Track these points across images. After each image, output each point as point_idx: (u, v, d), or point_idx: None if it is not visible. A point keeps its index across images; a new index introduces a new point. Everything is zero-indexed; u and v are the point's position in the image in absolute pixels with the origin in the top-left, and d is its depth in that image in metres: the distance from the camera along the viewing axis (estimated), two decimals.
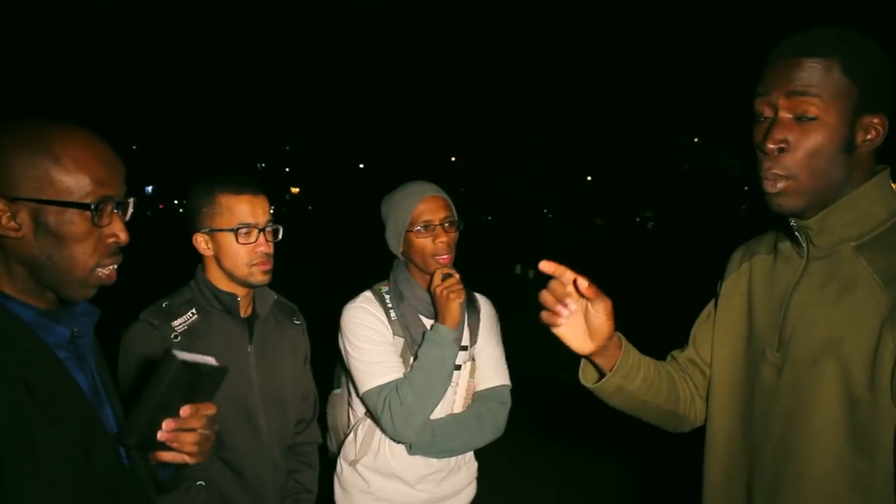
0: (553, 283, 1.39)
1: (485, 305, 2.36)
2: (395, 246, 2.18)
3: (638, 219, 39.22)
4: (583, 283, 1.37)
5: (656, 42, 22.11)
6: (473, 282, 2.29)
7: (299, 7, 13.16)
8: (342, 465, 2.26)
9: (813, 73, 1.28)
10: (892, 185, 1.36)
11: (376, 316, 2.15)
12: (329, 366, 2.28)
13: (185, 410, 1.32)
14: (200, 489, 1.95)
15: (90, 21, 13.38)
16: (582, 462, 5.17)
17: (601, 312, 1.41)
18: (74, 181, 1.23)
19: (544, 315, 1.42)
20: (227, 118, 12.11)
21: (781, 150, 1.32)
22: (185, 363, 1.30)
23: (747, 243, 1.62)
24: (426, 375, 2.04)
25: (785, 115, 1.31)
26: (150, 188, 43.17)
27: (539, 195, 26.54)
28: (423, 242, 2.11)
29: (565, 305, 1.39)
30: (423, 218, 2.10)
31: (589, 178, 31.42)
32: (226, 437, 1.97)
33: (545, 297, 1.40)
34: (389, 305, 2.18)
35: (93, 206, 1.24)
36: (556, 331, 1.43)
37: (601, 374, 1.54)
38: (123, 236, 1.30)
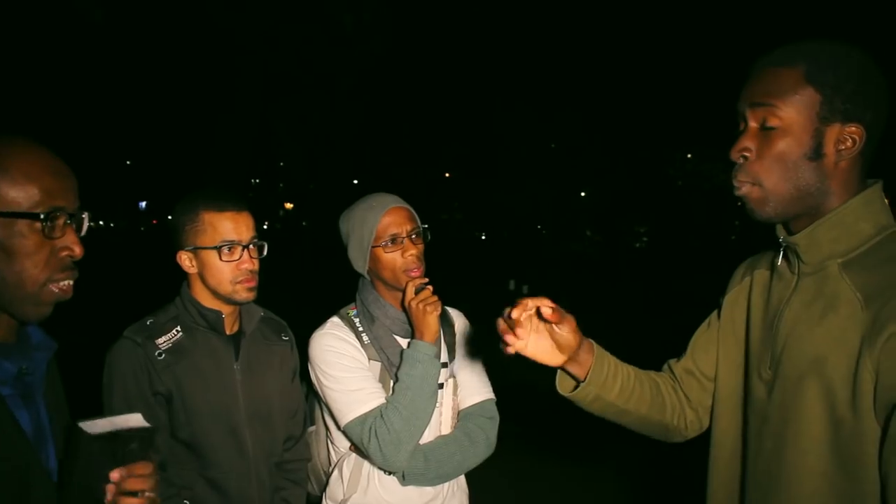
0: (507, 313, 1.39)
1: (458, 319, 2.27)
2: (361, 264, 2.08)
3: (632, 234, 39.31)
4: (546, 309, 1.36)
5: (650, 57, 22.25)
6: (467, 297, 2.27)
7: (295, 23, 13.20)
8: None
9: (774, 81, 1.31)
10: (885, 200, 1.35)
11: (347, 341, 2.04)
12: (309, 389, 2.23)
13: (114, 475, 1.24)
14: None
15: (85, 34, 13.39)
16: (575, 475, 5.15)
17: (566, 331, 1.43)
18: (22, 192, 1.17)
19: (501, 344, 1.41)
20: (221, 133, 12.11)
21: (745, 157, 1.36)
22: (97, 437, 1.22)
23: (751, 258, 1.62)
24: (411, 397, 1.94)
25: (752, 125, 1.35)
26: (143, 203, 43.15)
27: (533, 210, 26.59)
28: (392, 257, 2.02)
29: (515, 333, 1.39)
30: (389, 231, 2.01)
31: (583, 193, 31.49)
32: (210, 454, 1.95)
33: (499, 324, 1.41)
34: (360, 329, 2.07)
35: (42, 217, 1.18)
36: (523, 352, 1.43)
37: (578, 383, 1.54)
38: (78, 250, 1.24)
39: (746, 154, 1.35)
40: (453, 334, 2.21)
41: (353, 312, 2.13)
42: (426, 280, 2.06)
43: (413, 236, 2.03)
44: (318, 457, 2.24)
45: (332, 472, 2.13)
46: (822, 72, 1.27)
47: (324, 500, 2.16)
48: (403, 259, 2.01)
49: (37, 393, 1.28)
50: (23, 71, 17.19)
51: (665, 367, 1.74)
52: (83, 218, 1.28)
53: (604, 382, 1.51)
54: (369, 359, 2.05)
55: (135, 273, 13.86)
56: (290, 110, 16.98)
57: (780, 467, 1.33)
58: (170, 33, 13.57)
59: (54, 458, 1.31)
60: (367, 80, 16.58)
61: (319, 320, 2.13)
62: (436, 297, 2.03)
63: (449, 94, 22.80)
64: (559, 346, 1.46)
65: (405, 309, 2.05)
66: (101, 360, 1.93)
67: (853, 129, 1.28)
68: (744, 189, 1.36)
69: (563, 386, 1.56)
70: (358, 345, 2.05)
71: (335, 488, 2.10)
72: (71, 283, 1.26)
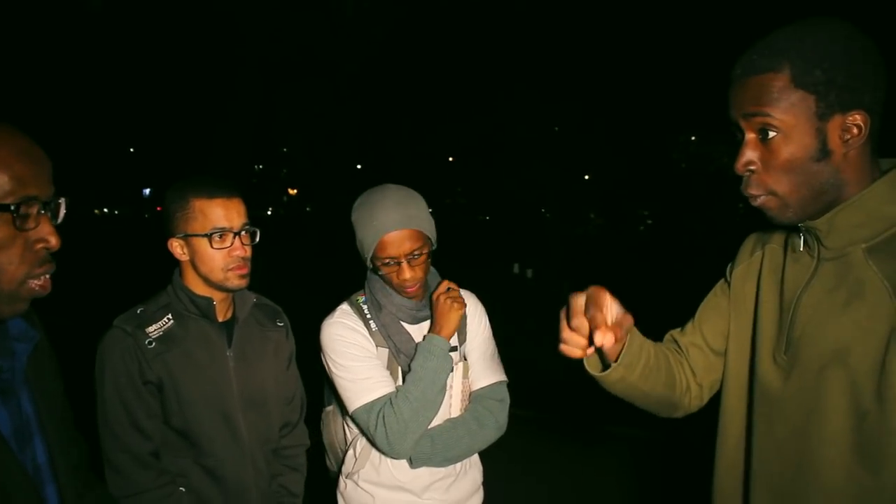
0: (578, 322, 1.26)
1: (469, 300, 2.24)
2: (365, 261, 2.08)
3: (635, 217, 39.29)
4: (609, 338, 1.22)
5: (653, 40, 22.11)
6: (471, 281, 2.26)
7: (296, 8, 13.14)
8: (345, 481, 2.19)
9: (762, 90, 1.25)
10: None
11: (356, 330, 2.06)
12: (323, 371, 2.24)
13: None
14: (182, 495, 1.93)
15: (85, 21, 13.34)
16: (581, 459, 5.16)
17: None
18: None
19: (567, 350, 1.30)
20: (223, 120, 12.10)
21: (750, 171, 1.31)
22: None
23: (759, 232, 1.57)
24: (422, 388, 1.96)
25: (749, 135, 1.30)
26: (147, 191, 43.16)
27: (537, 194, 26.55)
28: (389, 274, 2.02)
29: (590, 344, 1.27)
30: (386, 252, 1.97)
31: (586, 176, 31.43)
32: (204, 442, 1.94)
33: (571, 338, 1.28)
34: (368, 316, 2.09)
35: (13, 208, 1.08)
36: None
37: (603, 361, 1.50)
38: (54, 241, 1.15)
39: (752, 167, 1.31)
40: (464, 316, 2.19)
41: (361, 299, 2.14)
42: (454, 285, 2.09)
43: (412, 258, 2.00)
44: (336, 436, 2.27)
45: (348, 450, 2.18)
46: (808, 72, 1.22)
47: (340, 477, 2.21)
48: (398, 280, 2.02)
49: (18, 387, 1.22)
50: (25, 60, 17.16)
51: (668, 338, 1.69)
52: (59, 205, 1.19)
53: (630, 362, 1.47)
54: (377, 346, 2.07)
55: (141, 260, 13.90)
56: (292, 96, 16.94)
57: (799, 458, 1.30)
58: (170, 20, 13.52)
59: (43, 451, 1.26)
60: (368, 65, 16.52)
61: (324, 305, 2.14)
62: (462, 298, 2.05)
63: (451, 78, 22.70)
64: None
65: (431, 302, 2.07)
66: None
67: (855, 116, 1.22)
68: (759, 201, 1.32)
69: (590, 364, 1.51)
70: (366, 333, 2.07)
71: (349, 465, 2.16)
72: (49, 277, 1.18)
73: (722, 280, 1.63)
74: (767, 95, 1.25)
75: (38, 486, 1.22)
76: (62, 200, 1.19)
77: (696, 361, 1.62)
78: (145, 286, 2.14)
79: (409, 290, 2.03)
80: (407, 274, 2.00)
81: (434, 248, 2.08)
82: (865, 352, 1.20)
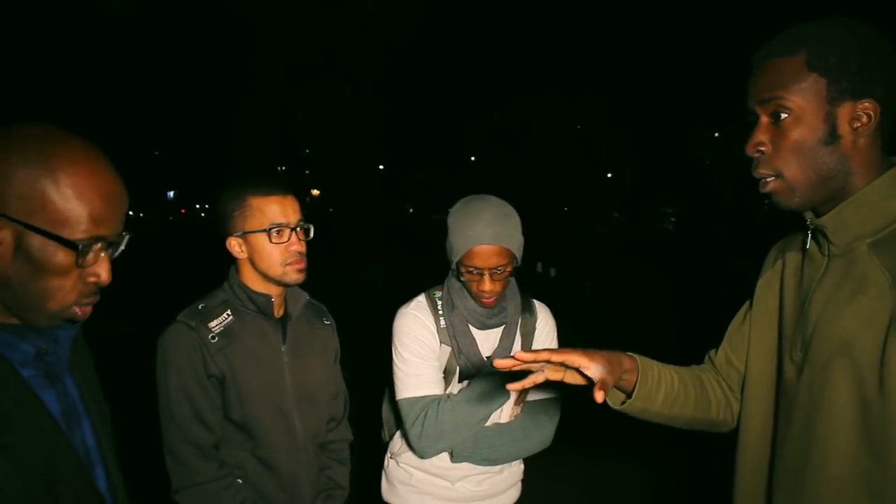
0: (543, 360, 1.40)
1: (542, 312, 2.31)
2: (450, 262, 2.13)
3: (658, 215, 39.03)
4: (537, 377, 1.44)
5: (676, 36, 21.98)
6: None
7: (317, 9, 13.20)
8: (389, 459, 2.33)
9: (777, 73, 1.30)
10: None
11: (426, 326, 2.15)
12: (353, 368, 2.27)
13: None
14: (240, 487, 1.99)
15: (109, 25, 13.49)
16: (605, 464, 5.13)
17: (596, 372, 1.40)
18: (70, 213, 1.10)
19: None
20: (246, 121, 12.20)
21: (761, 152, 1.35)
22: None
23: (783, 240, 1.60)
24: (473, 410, 2.06)
25: (763, 118, 1.34)
26: (171, 193, 43.65)
27: (559, 193, 26.49)
28: (470, 282, 2.09)
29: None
30: (473, 262, 2.03)
31: (609, 174, 31.30)
32: (261, 435, 2.01)
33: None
34: (440, 312, 2.18)
35: (80, 247, 1.12)
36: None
37: (625, 393, 1.55)
38: (105, 277, 1.18)
39: (762, 148, 1.34)
40: (532, 327, 2.27)
41: (438, 294, 2.22)
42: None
43: (495, 272, 2.05)
44: (390, 413, 2.37)
45: (396, 432, 2.30)
46: (822, 56, 1.26)
47: (386, 455, 2.36)
48: (477, 289, 2.08)
49: (62, 371, 1.26)
50: (50, 64, 17.40)
51: (706, 358, 1.74)
52: (121, 242, 1.22)
53: (647, 395, 1.52)
54: (441, 342, 2.15)
55: (167, 261, 14.04)
56: (314, 97, 17.00)
57: (809, 451, 1.32)
58: (193, 23, 13.63)
59: (91, 434, 1.29)
60: (391, 64, 16.55)
61: (350, 306, 2.17)
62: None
63: (473, 77, 22.69)
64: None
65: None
66: (146, 348, 1.95)
67: (866, 104, 1.26)
68: (768, 186, 1.36)
69: (612, 399, 1.56)
70: (434, 329, 2.15)
71: (395, 446, 2.30)
72: (91, 307, 1.22)
73: (750, 299, 1.65)
74: (782, 78, 1.30)
75: (87, 468, 1.26)
76: (125, 237, 1.22)
77: (731, 378, 1.66)
78: (186, 286, 2.16)
79: (485, 300, 2.09)
80: (487, 286, 2.05)
81: (518, 265, 2.12)
82: (867, 343, 1.22)
